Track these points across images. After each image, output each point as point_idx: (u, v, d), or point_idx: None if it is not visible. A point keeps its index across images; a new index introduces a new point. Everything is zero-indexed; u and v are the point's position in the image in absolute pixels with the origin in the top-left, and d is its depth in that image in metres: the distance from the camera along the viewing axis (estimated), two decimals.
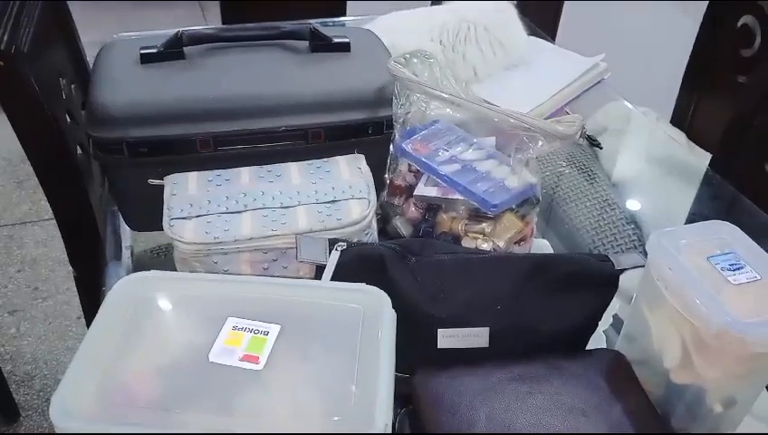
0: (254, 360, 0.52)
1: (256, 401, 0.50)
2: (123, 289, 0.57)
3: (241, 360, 0.52)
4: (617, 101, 1.27)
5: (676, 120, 1.51)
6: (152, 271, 0.59)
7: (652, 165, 1.24)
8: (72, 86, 1.08)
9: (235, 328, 0.54)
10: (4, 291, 1.84)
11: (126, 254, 0.87)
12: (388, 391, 0.51)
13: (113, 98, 0.75)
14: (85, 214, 0.92)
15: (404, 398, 0.62)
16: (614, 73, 1.23)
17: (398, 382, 0.60)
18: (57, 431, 0.47)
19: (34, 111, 0.85)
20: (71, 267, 1.10)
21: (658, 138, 1.31)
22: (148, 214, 0.72)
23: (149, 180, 0.74)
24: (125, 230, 0.88)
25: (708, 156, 1.28)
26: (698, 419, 0.59)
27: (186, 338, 0.54)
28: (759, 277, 0.55)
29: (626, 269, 0.63)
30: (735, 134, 1.26)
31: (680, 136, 1.48)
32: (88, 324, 0.55)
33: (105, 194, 0.99)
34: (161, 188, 0.74)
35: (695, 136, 1.42)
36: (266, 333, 0.54)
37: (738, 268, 0.55)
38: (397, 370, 0.56)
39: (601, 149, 1.03)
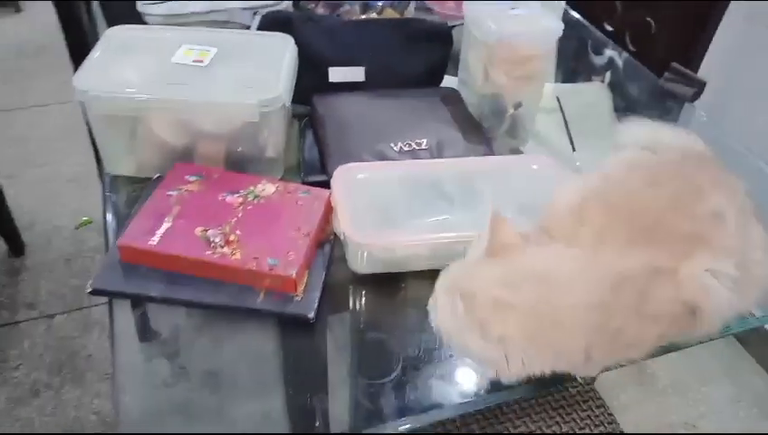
0: (200, 61, 0.81)
1: (204, 82, 0.79)
2: (113, 31, 0.86)
3: (192, 62, 0.81)
4: None
5: None
6: (130, 25, 0.88)
7: None
8: None
9: (188, 48, 0.83)
10: None
11: None
12: (287, 79, 0.80)
13: None
14: (75, 21, 1.18)
15: (308, 115, 0.92)
16: None
17: (303, 111, 0.91)
18: (79, 97, 0.76)
19: None
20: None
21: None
22: (125, 12, 0.99)
23: None
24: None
25: None
26: (498, 118, 0.91)
27: (157, 53, 0.83)
28: (526, 12, 0.85)
29: (455, 25, 0.93)
30: None
31: None
32: None
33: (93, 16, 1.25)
34: None
35: None
36: (208, 50, 0.83)
37: (514, 9, 0.86)
38: (301, 102, 0.86)
39: None
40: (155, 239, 0.70)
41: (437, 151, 0.83)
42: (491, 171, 0.80)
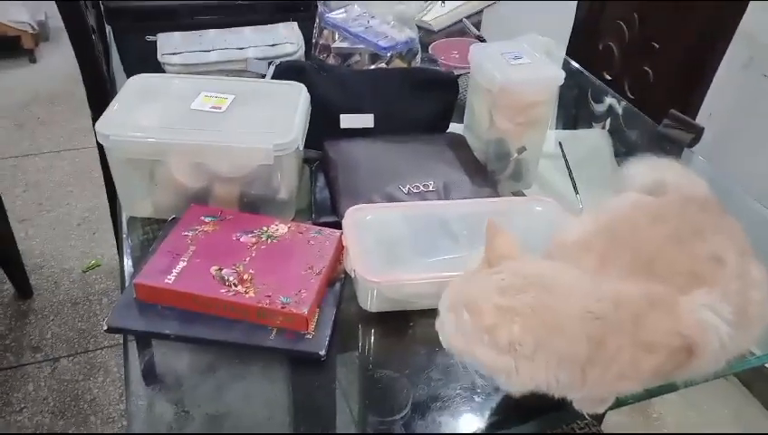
0: (218, 108, 0.85)
1: (219, 127, 0.83)
2: (136, 80, 0.90)
3: (210, 108, 0.85)
4: (527, 34, 1.61)
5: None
6: (155, 73, 0.92)
7: None
8: None
9: (206, 96, 0.87)
10: (13, 206, 2.14)
11: None
12: (300, 125, 0.83)
13: None
14: (101, 78, 1.23)
15: (319, 159, 0.95)
16: (525, 12, 1.56)
17: (315, 156, 0.94)
18: (101, 141, 0.79)
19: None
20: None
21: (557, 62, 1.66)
22: (145, 65, 1.04)
23: (147, 36, 1.06)
24: None
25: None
26: (503, 161, 0.94)
27: (177, 100, 0.87)
28: (530, 62, 0.89)
29: (460, 75, 0.97)
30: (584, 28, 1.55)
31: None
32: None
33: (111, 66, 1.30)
34: (155, 44, 1.06)
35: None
36: (226, 97, 0.87)
37: (518, 57, 0.90)
38: (313, 147, 0.90)
39: (485, 41, 1.36)
40: (171, 278, 0.72)
41: (444, 193, 0.86)
42: (496, 212, 0.83)
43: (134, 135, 0.79)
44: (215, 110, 0.84)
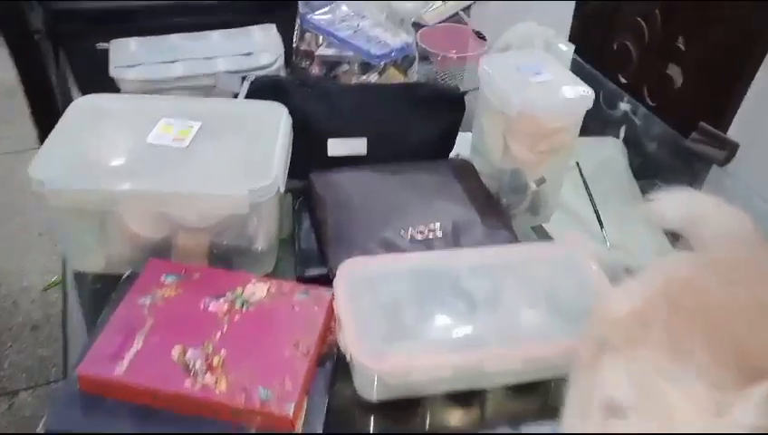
0: (181, 140, 0.70)
1: (184, 166, 0.68)
2: (82, 102, 0.75)
3: (171, 141, 0.70)
4: (524, 22, 1.47)
5: (573, 38, 1.72)
6: (102, 93, 0.77)
7: None
8: None
9: (166, 124, 0.72)
10: None
11: None
12: (281, 161, 0.69)
13: None
14: (46, 90, 1.07)
15: (303, 193, 0.81)
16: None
17: (300, 186, 0.80)
18: (35, 188, 0.65)
19: None
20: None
21: (556, 51, 1.52)
22: (97, 78, 0.89)
23: (98, 44, 0.91)
24: None
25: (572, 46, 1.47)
26: (519, 194, 0.80)
27: (131, 131, 0.72)
28: (552, 78, 0.75)
29: (467, 91, 0.83)
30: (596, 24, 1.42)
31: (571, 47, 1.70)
32: None
33: (60, 72, 1.14)
34: (107, 52, 0.91)
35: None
36: (190, 126, 0.72)
37: (538, 73, 0.76)
38: (297, 178, 0.75)
39: (485, 40, 1.21)
40: (122, 366, 0.57)
41: (453, 238, 0.73)
42: (516, 263, 0.70)
43: (76, 182, 0.64)
44: (177, 143, 0.70)
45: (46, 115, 0.88)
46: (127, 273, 0.69)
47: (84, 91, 0.98)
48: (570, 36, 1.75)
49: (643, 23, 1.11)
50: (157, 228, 0.69)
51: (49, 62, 1.00)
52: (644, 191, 1.05)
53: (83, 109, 0.74)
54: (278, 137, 0.71)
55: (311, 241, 0.75)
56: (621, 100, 1.17)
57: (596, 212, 0.86)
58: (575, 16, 1.72)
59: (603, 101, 1.22)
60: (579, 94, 0.74)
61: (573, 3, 1.71)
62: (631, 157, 1.03)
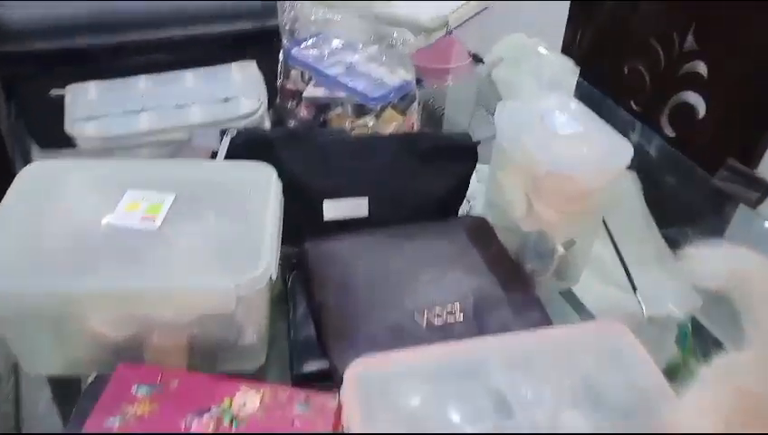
0: (151, 219, 0.59)
1: (155, 253, 0.57)
2: (31, 171, 0.63)
3: (139, 221, 0.59)
4: (513, 34, 1.37)
5: (566, 50, 1.64)
6: (56, 159, 0.65)
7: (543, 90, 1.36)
8: None
9: (133, 200, 0.61)
10: None
11: None
12: (272, 242, 0.58)
13: (13, 12, 0.79)
14: None
15: (298, 266, 0.70)
16: (511, 11, 1.33)
17: (292, 254, 0.69)
18: None
19: None
20: None
21: (547, 64, 1.43)
22: (54, 128, 0.77)
23: (52, 91, 0.78)
24: (35, 155, 0.91)
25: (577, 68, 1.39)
26: (545, 259, 0.70)
27: (90, 209, 0.60)
28: (583, 130, 0.66)
29: (481, 141, 0.73)
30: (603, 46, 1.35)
31: (568, 62, 1.61)
32: None
33: (12, 122, 1.01)
34: (63, 100, 0.79)
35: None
36: (161, 201, 0.61)
37: (565, 124, 0.66)
38: (289, 243, 0.65)
39: (483, 62, 1.12)
40: None
41: (476, 322, 0.62)
42: (552, 352, 0.60)
43: (25, 284, 0.53)
44: (146, 224, 0.58)
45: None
46: (91, 378, 0.58)
47: (41, 144, 0.87)
48: (562, 47, 1.67)
49: (658, 46, 1.02)
50: (125, 327, 0.57)
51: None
52: (660, 226, 0.97)
53: (34, 180, 0.62)
54: (267, 210, 0.60)
55: (307, 327, 0.64)
56: (633, 129, 1.08)
57: (627, 272, 0.76)
58: (568, 26, 1.63)
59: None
60: (615, 150, 0.64)
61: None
62: (646, 191, 0.94)
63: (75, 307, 0.54)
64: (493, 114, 0.75)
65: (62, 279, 0.53)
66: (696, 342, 0.91)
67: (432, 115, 0.85)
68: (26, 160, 0.92)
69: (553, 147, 0.64)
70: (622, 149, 0.64)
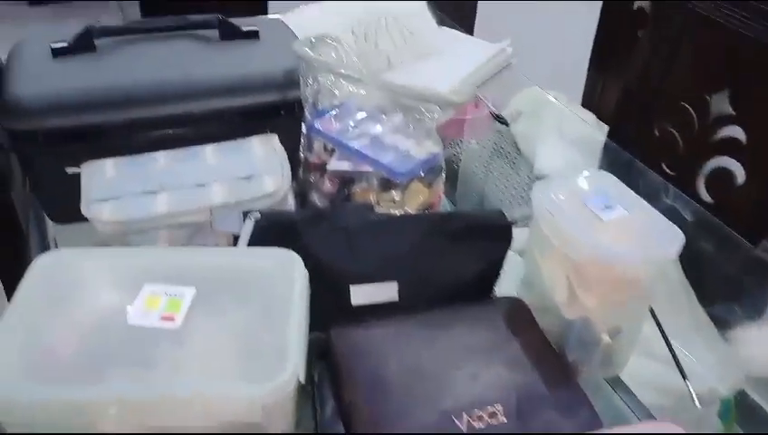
0: (171, 319, 0.55)
1: (174, 356, 0.53)
2: (44, 263, 0.59)
3: (159, 320, 0.55)
4: (530, 87, 1.35)
5: (586, 102, 1.61)
6: (71, 248, 0.62)
7: (566, 148, 1.32)
8: None
9: (152, 293, 0.57)
10: None
11: (52, 247, 0.88)
12: (300, 341, 0.54)
13: (26, 89, 0.77)
14: (7, 211, 0.92)
15: (323, 355, 0.66)
16: (527, 61, 1.31)
17: (317, 341, 0.65)
18: None
19: None
20: None
21: (569, 119, 1.40)
22: (69, 205, 0.74)
23: (67, 169, 0.76)
24: (49, 225, 0.89)
25: (606, 127, 1.36)
26: (589, 349, 0.66)
27: (106, 305, 0.57)
28: (627, 214, 0.62)
29: (517, 221, 0.69)
30: (631, 105, 1.34)
31: (589, 116, 1.58)
32: None
33: (27, 192, 0.99)
34: (80, 177, 0.76)
35: (603, 116, 1.52)
36: (182, 296, 0.57)
37: (609, 207, 0.62)
38: (314, 329, 0.60)
39: (507, 125, 1.09)
40: None
41: (520, 424, 0.57)
42: None
43: (33, 392, 0.49)
44: (167, 323, 0.54)
45: (11, 265, 0.72)
46: None
47: (56, 220, 0.84)
48: (582, 101, 1.65)
49: (691, 109, 0.99)
50: (142, 429, 0.53)
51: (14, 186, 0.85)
52: (698, 296, 0.92)
53: (46, 272, 0.58)
54: (293, 304, 0.56)
55: (336, 426, 0.60)
56: (666, 193, 1.04)
57: (675, 359, 0.71)
58: (588, 81, 1.61)
59: (643, 193, 1.10)
60: (664, 238, 0.60)
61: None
62: (682, 259, 0.90)
63: (87, 417, 0.50)
64: (512, 166, 0.72)
65: (72, 389, 0.49)
66: (739, 411, 0.85)
67: (447, 167, 0.81)
68: (41, 230, 0.90)
69: (596, 234, 0.60)
70: (672, 237, 0.60)
